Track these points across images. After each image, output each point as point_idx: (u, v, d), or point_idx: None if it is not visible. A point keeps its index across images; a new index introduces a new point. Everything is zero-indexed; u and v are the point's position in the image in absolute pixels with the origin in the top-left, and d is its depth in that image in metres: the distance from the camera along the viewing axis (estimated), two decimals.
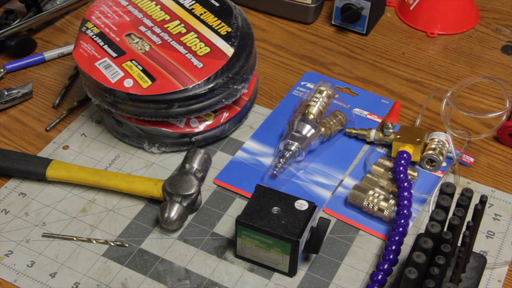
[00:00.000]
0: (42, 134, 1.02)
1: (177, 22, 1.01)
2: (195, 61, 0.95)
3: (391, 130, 0.97)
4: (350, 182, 0.94)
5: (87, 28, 1.00)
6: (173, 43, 0.97)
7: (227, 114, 0.99)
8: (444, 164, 0.96)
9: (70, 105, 1.07)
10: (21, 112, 1.06)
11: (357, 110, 1.05)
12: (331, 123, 0.99)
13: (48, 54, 1.15)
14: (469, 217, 0.76)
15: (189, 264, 0.85)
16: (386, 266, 0.80)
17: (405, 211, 0.87)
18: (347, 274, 0.84)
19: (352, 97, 1.08)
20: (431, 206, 0.89)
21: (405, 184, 0.90)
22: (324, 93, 1.00)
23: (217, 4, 1.03)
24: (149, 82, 0.93)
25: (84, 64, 0.96)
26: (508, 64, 1.16)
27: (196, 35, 0.98)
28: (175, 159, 0.98)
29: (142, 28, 1.00)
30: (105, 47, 0.97)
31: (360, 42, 1.20)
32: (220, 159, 0.98)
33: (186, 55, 0.95)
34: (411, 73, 1.14)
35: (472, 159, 0.97)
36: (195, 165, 0.92)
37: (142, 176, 0.95)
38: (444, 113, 0.97)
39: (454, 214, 0.72)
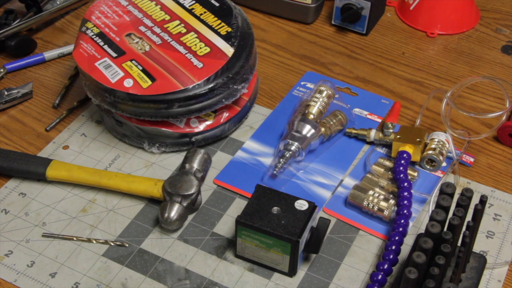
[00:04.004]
0: (42, 134, 1.02)
1: (177, 22, 1.01)
2: (195, 61, 0.95)
3: (391, 130, 0.97)
4: (350, 182, 0.94)
5: (87, 28, 1.00)
6: (173, 43, 0.97)
7: (227, 114, 0.99)
8: (444, 164, 0.96)
9: (70, 105, 1.07)
10: (21, 112, 1.06)
11: (357, 110, 1.05)
12: (331, 123, 0.99)
13: (48, 54, 1.15)
14: (469, 217, 0.76)
15: (189, 264, 0.85)
16: (386, 266, 0.80)
17: (405, 211, 0.87)
18: (347, 274, 0.84)
19: (352, 97, 1.08)
20: (431, 206, 0.89)
21: (405, 184, 0.90)
22: (324, 93, 1.00)
23: (217, 4, 1.03)
24: (149, 82, 0.93)
25: (84, 64, 0.96)
26: (508, 64, 1.16)
27: (196, 35, 0.98)
28: (175, 159, 0.98)
29: (142, 28, 1.00)
30: (105, 47, 0.97)
31: (360, 42, 1.20)
32: (220, 159, 0.98)
33: (186, 55, 0.95)
34: (411, 73, 1.14)
35: (472, 159, 0.97)
36: (195, 165, 0.92)
37: (142, 176, 0.95)
38: (444, 113, 0.97)
39: (454, 214, 0.72)
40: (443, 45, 1.20)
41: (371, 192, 0.90)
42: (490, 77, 1.02)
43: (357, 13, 1.17)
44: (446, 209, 0.72)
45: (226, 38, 0.98)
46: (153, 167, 0.97)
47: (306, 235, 0.81)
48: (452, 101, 0.97)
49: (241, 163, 0.97)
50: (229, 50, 0.96)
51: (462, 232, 0.74)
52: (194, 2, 1.04)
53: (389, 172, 0.94)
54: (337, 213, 0.91)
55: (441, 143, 0.95)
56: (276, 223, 0.80)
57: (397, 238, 0.83)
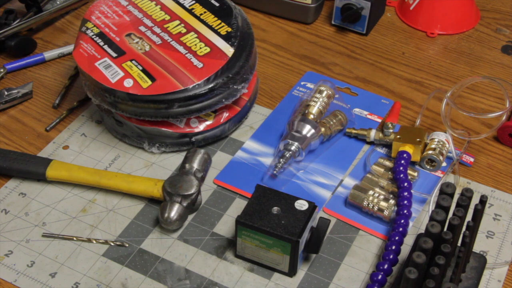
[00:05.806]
0: (42, 134, 1.02)
1: (177, 22, 1.01)
2: (195, 61, 0.95)
3: (391, 130, 0.97)
4: (350, 182, 0.94)
5: (87, 28, 1.00)
6: (173, 43, 0.97)
7: (227, 114, 0.99)
8: (444, 164, 0.96)
9: (70, 105, 1.07)
10: (21, 112, 1.06)
11: (357, 110, 1.05)
12: (331, 123, 0.99)
13: (48, 54, 1.15)
14: (469, 217, 0.76)
15: (189, 264, 0.85)
16: (386, 266, 0.80)
17: (405, 211, 0.87)
18: (347, 274, 0.84)
19: (352, 97, 1.08)
20: (431, 206, 0.89)
21: (405, 184, 0.90)
22: (324, 93, 1.00)
23: (217, 4, 1.03)
24: (149, 82, 0.93)
25: (84, 64, 0.96)
26: (508, 64, 1.16)
27: (196, 35, 0.98)
28: (175, 159, 0.98)
29: (142, 28, 1.00)
30: (105, 47, 0.97)
31: (360, 42, 1.20)
32: (220, 159, 0.98)
33: (186, 55, 0.95)
34: (411, 73, 1.14)
35: (472, 159, 0.97)
36: (195, 165, 0.92)
37: (142, 176, 0.95)
38: (444, 113, 0.97)
39: (454, 214, 0.72)
40: (443, 45, 1.20)
41: (371, 192, 0.90)
42: (490, 77, 1.02)
43: (357, 13, 1.17)
44: (446, 209, 0.72)
45: (226, 38, 0.98)
46: (153, 167, 0.97)
47: (306, 235, 0.81)
48: (452, 101, 0.97)
49: (241, 163, 0.97)
50: (229, 50, 0.96)
51: (462, 232, 0.74)
52: (194, 2, 1.04)
53: (389, 172, 0.94)
54: (337, 213, 0.91)
55: (441, 143, 0.95)
56: (276, 223, 0.80)
57: (397, 238, 0.83)
